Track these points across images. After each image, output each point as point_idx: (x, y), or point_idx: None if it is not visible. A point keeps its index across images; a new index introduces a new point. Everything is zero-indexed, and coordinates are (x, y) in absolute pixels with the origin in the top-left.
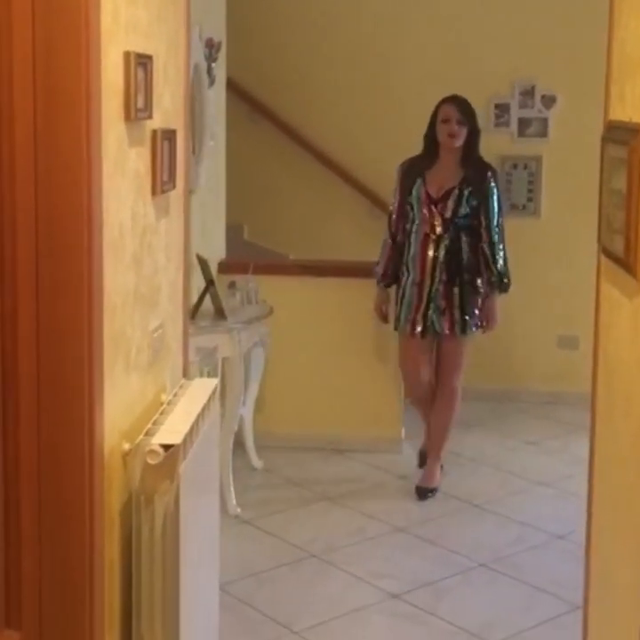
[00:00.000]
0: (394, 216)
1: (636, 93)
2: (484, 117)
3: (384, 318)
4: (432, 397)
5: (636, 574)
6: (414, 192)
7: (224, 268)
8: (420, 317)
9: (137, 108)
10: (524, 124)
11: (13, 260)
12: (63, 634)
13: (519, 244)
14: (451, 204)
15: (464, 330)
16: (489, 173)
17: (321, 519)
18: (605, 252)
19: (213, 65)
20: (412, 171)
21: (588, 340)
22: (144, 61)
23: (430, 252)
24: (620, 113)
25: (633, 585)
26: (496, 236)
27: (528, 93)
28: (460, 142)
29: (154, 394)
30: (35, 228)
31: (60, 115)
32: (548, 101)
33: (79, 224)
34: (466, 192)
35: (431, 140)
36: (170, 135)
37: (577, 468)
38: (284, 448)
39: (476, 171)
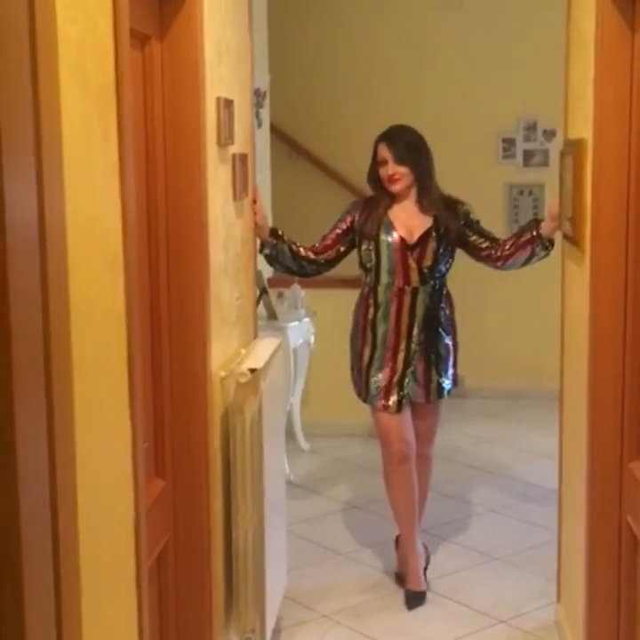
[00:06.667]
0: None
1: (578, 116)
2: (493, 151)
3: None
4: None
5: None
6: (383, 236)
7: (272, 283)
8: (394, 387)
9: (225, 137)
10: (528, 155)
11: (156, 238)
12: (191, 485)
13: None
14: (430, 250)
15: (441, 395)
16: (459, 206)
17: (360, 483)
18: (564, 236)
19: (260, 110)
20: (372, 210)
21: None
22: (228, 104)
23: (406, 309)
24: (571, 132)
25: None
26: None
27: (531, 128)
28: (401, 186)
29: (237, 345)
30: (165, 216)
31: (183, 141)
32: (549, 135)
33: (197, 214)
34: (442, 232)
35: (377, 183)
36: (243, 158)
37: None
38: (328, 434)
39: (445, 210)
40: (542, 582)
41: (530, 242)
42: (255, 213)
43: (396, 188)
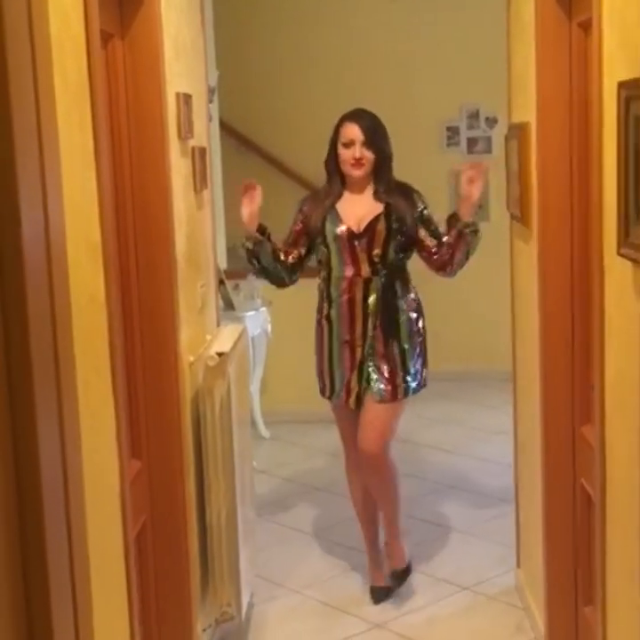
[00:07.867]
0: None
1: (520, 101)
2: (438, 139)
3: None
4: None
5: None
6: (329, 230)
7: (228, 274)
8: (354, 383)
9: (185, 130)
10: (471, 142)
11: (125, 228)
12: (166, 465)
13: None
14: (378, 237)
15: (406, 393)
16: (415, 195)
17: (321, 466)
18: (512, 216)
19: (210, 106)
20: (318, 206)
21: None
22: (187, 99)
23: (358, 302)
24: (515, 117)
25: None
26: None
27: (474, 116)
28: (363, 172)
29: (202, 332)
30: (132, 207)
31: (147, 135)
32: (491, 122)
33: (162, 205)
34: (394, 218)
35: (335, 166)
36: (202, 151)
37: None
38: (287, 422)
39: (398, 196)
40: (502, 550)
41: (459, 235)
42: (251, 202)
43: (358, 172)
